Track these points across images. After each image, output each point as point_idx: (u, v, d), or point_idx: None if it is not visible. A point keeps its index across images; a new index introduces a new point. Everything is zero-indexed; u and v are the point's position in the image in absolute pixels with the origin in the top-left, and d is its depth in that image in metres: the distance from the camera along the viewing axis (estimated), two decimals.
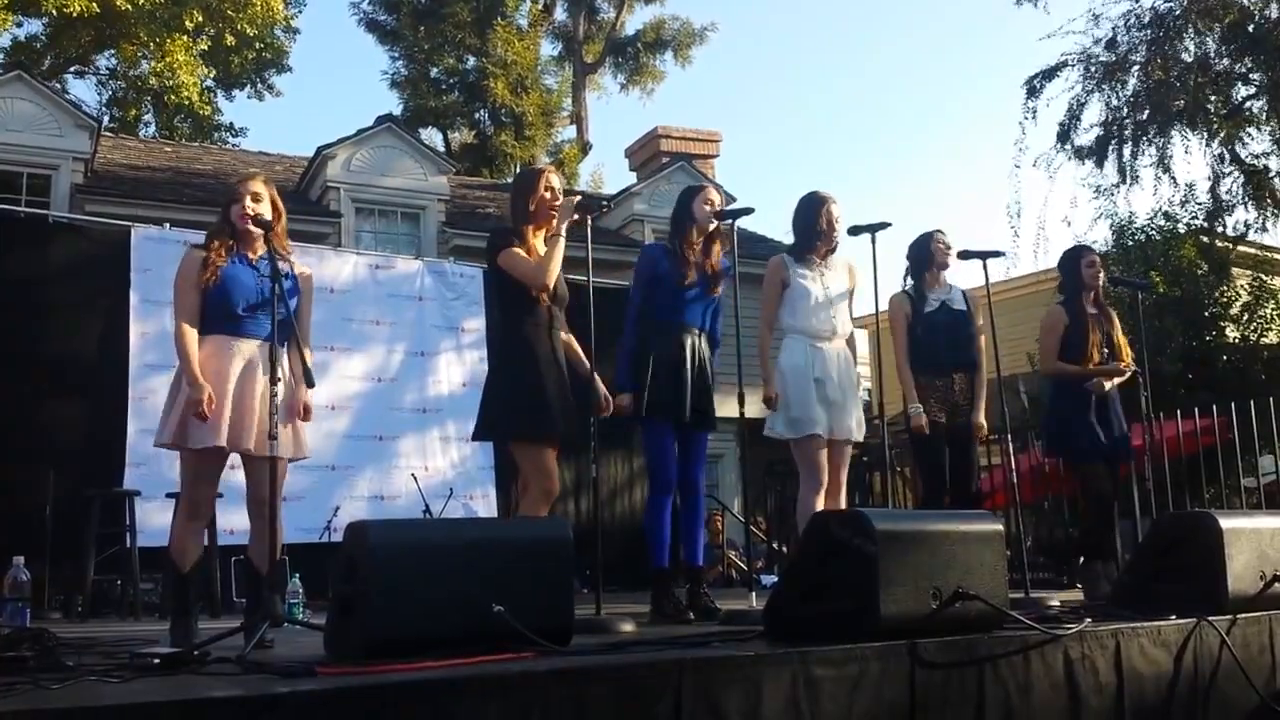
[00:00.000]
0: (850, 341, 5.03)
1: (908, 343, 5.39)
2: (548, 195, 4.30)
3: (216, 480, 3.87)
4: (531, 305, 4.24)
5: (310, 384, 3.77)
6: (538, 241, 4.33)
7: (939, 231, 5.51)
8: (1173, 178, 14.32)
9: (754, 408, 4.53)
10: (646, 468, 4.88)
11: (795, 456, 4.83)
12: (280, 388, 3.65)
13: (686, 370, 4.62)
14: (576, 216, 4.25)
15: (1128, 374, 5.68)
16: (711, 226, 4.74)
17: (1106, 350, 5.71)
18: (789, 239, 5.14)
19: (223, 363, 3.77)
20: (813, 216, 4.91)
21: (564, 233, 4.22)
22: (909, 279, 5.59)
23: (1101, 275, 5.90)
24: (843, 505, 4.93)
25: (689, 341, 4.67)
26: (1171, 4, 14.10)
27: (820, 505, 4.72)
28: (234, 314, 3.81)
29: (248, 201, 3.88)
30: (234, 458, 3.85)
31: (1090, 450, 5.65)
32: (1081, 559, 5.93)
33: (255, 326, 3.82)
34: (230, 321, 3.81)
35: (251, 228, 3.85)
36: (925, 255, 5.47)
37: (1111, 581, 5.37)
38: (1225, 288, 13.06)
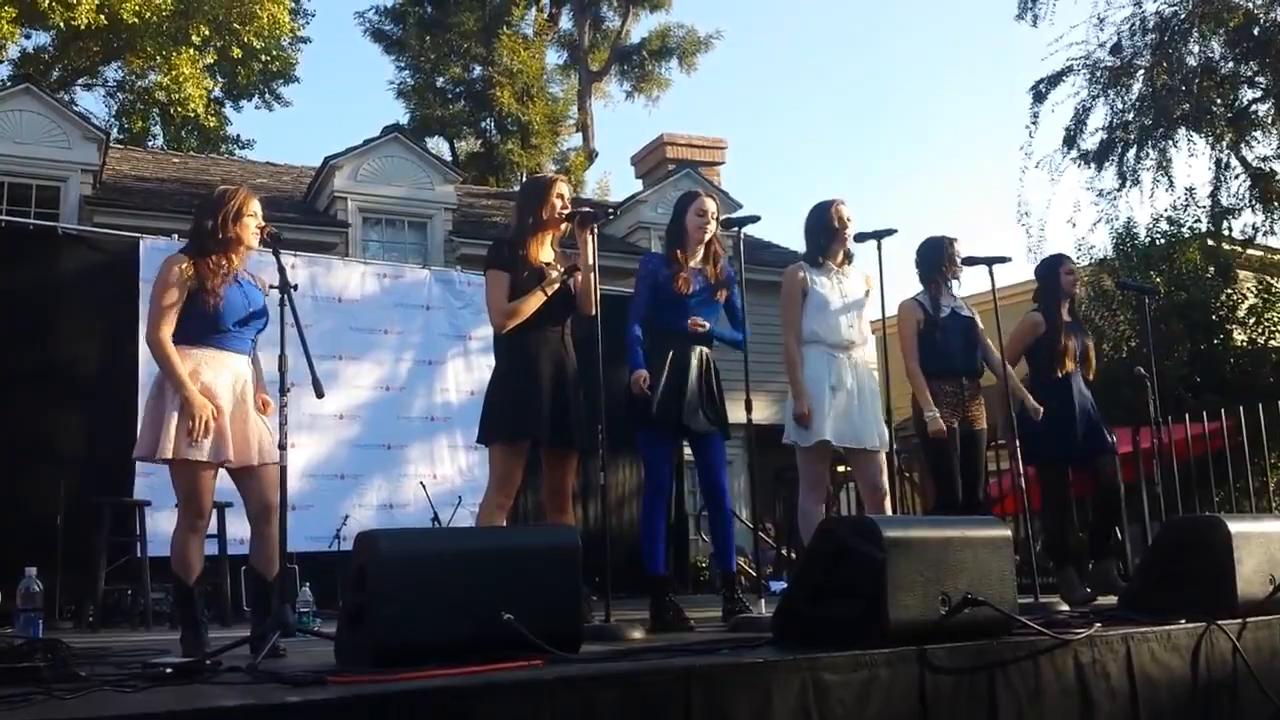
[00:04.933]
0: (867, 350, 5.02)
1: (918, 347, 5.37)
2: (558, 204, 4.29)
3: (213, 491, 3.91)
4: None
5: (319, 394, 3.78)
6: (543, 250, 4.33)
7: (955, 240, 5.49)
8: (1185, 183, 14.32)
9: (761, 414, 4.51)
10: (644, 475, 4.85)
11: (799, 463, 4.81)
12: (280, 397, 3.68)
13: (690, 379, 4.58)
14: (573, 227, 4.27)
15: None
16: (708, 235, 4.71)
17: (1079, 359, 5.69)
18: (796, 246, 5.15)
19: (220, 376, 3.77)
20: (824, 217, 4.93)
21: (557, 279, 4.21)
22: (922, 281, 5.55)
23: (1079, 285, 5.88)
24: (889, 513, 4.88)
25: (692, 349, 4.63)
26: (1175, 8, 14.08)
27: (822, 512, 4.71)
28: (223, 329, 3.79)
29: (261, 219, 3.89)
30: None
31: (1053, 455, 5.61)
32: (1053, 564, 5.88)
33: (240, 340, 3.85)
34: (219, 335, 3.80)
35: (263, 245, 3.85)
36: (940, 260, 5.46)
37: (1089, 585, 5.39)
38: (1231, 291, 13.01)
